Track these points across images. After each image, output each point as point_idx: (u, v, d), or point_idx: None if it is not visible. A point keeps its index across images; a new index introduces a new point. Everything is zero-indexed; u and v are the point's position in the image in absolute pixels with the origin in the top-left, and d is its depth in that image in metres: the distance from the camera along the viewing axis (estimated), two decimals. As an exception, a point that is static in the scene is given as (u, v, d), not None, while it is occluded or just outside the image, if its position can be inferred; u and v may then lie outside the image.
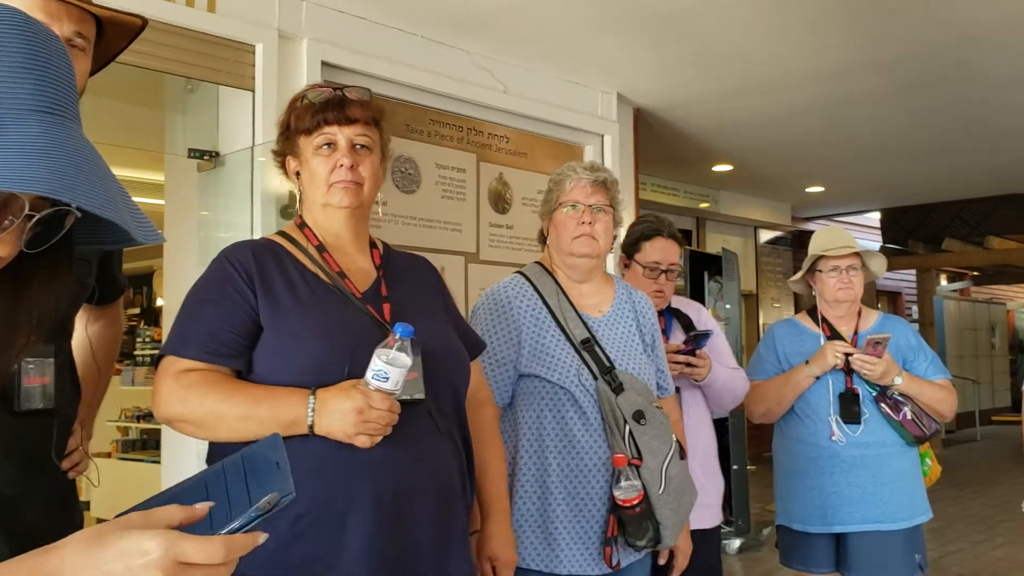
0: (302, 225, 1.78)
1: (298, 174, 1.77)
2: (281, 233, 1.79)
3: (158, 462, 4.34)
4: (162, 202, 4.30)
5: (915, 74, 5.56)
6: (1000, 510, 7.44)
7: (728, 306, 6.63)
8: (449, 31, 4.56)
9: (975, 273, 16.65)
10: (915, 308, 13.11)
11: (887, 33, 4.85)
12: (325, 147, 1.71)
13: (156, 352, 1.69)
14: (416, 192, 4.59)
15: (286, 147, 1.78)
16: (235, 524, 0.78)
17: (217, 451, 1.63)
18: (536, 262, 2.35)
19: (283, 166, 1.81)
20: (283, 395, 1.53)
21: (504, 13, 4.39)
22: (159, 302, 8.14)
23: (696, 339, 2.78)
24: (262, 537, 0.79)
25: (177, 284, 3.90)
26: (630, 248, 2.93)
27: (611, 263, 3.58)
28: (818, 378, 2.93)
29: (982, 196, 10.00)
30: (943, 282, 15.97)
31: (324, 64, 4.03)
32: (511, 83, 4.99)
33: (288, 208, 3.69)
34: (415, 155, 4.57)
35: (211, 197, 3.93)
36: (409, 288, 1.79)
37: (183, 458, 3.72)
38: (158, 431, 5.34)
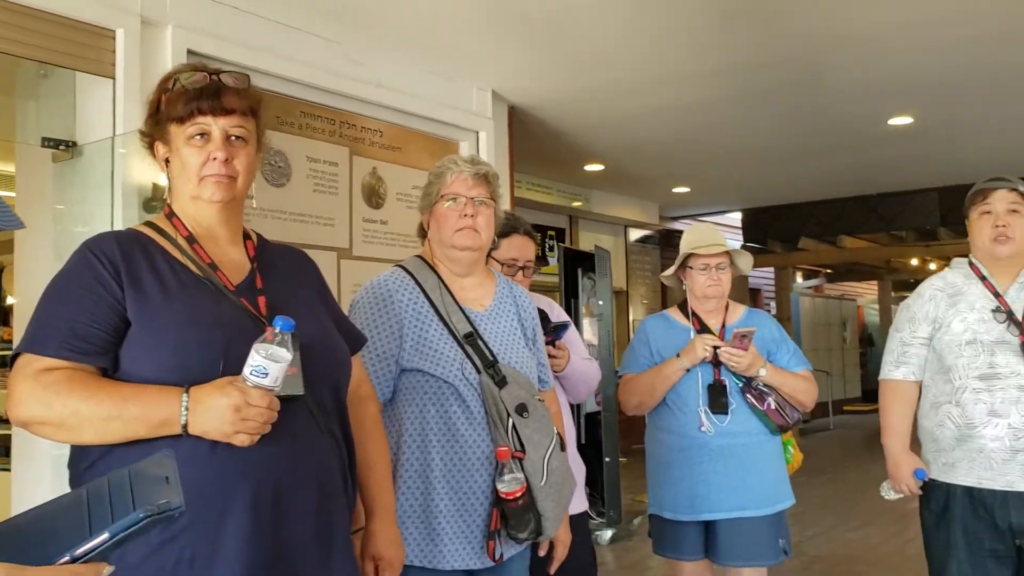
0: (171, 215, 1.69)
1: (167, 160, 1.69)
2: (148, 224, 1.70)
3: (7, 470, 4.08)
4: (12, 194, 4.05)
5: (772, 80, 5.80)
6: (854, 494, 7.85)
7: (601, 302, 6.76)
8: (322, 22, 4.46)
9: (828, 271, 17.56)
10: (773, 304, 13.73)
11: (747, 41, 5.04)
12: (198, 137, 1.63)
13: (8, 353, 1.57)
14: (286, 186, 4.48)
15: (155, 131, 1.69)
16: (117, 524, 0.74)
17: (79, 455, 1.54)
18: (417, 256, 2.32)
19: (151, 148, 1.72)
20: (154, 393, 1.45)
21: (378, 6, 4.34)
22: (9, 300, 7.66)
23: (556, 330, 2.85)
24: (107, 569, 0.75)
25: (29, 281, 3.68)
26: None
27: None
28: (688, 370, 3.01)
29: (834, 197, 10.55)
30: (799, 279, 16.77)
31: (190, 52, 3.87)
32: (385, 77, 4.93)
33: (152, 201, 3.53)
34: (285, 148, 4.46)
35: (67, 189, 3.72)
36: (285, 281, 1.73)
37: (36, 465, 3.51)
38: (8, 437, 5.02)
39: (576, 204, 9.70)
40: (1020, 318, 2.64)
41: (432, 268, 2.26)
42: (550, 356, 2.77)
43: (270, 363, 1.41)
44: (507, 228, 2.94)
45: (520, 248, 2.94)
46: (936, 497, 2.73)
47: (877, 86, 6.05)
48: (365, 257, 4.84)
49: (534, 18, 4.58)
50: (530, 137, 6.74)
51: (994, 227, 2.69)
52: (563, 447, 2.17)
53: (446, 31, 4.73)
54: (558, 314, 3.05)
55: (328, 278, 1.96)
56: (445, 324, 2.14)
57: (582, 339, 3.24)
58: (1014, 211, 2.69)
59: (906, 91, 6.22)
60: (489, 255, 2.92)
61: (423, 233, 2.34)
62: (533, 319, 2.35)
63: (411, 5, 4.36)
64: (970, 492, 2.64)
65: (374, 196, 4.98)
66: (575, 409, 5.27)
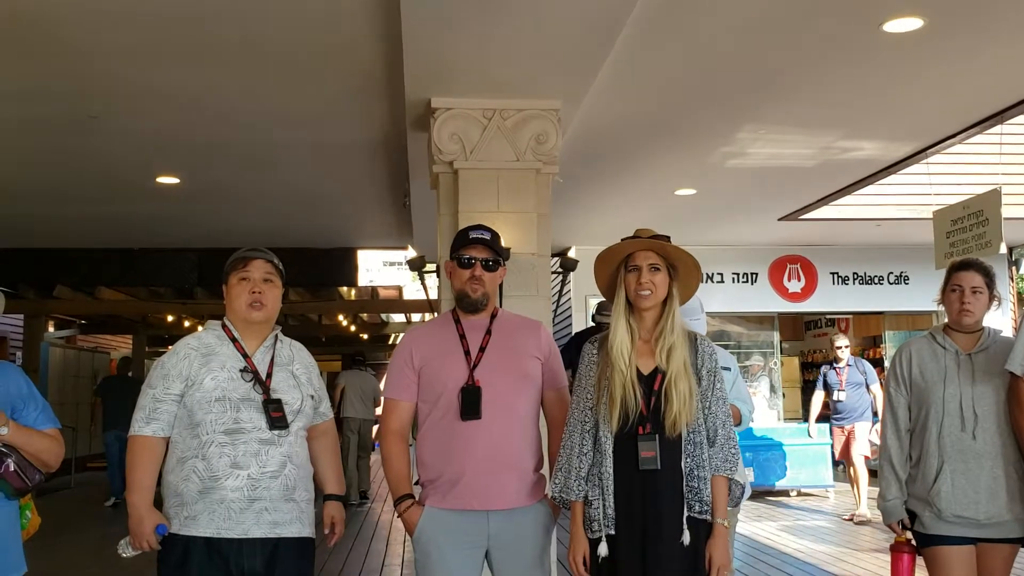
0: None
1: None
2: None
3: None
4: None
5: (48, 115, 5.48)
6: (91, 556, 7.57)
7: None
8: None
9: (83, 321, 16.90)
10: (21, 354, 12.70)
11: (32, 69, 4.69)
12: None
13: None
14: None
15: None
16: None
17: None
18: None
19: None
20: None
21: None
22: None
23: None
24: None
25: None
26: None
27: None
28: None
29: (97, 247, 10.24)
30: (51, 328, 15.79)
31: None
32: None
33: None
34: None
35: None
36: None
37: None
38: None
39: None
40: (264, 378, 2.90)
41: None
42: None
43: None
44: None
45: None
46: (175, 551, 2.79)
47: (151, 142, 6.13)
48: None
49: None
50: None
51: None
52: None
53: None
54: None
55: None
56: None
57: None
58: (267, 280, 2.97)
59: (177, 151, 6.42)
60: None
61: None
62: None
63: None
64: (208, 542, 2.77)
65: None
66: None
